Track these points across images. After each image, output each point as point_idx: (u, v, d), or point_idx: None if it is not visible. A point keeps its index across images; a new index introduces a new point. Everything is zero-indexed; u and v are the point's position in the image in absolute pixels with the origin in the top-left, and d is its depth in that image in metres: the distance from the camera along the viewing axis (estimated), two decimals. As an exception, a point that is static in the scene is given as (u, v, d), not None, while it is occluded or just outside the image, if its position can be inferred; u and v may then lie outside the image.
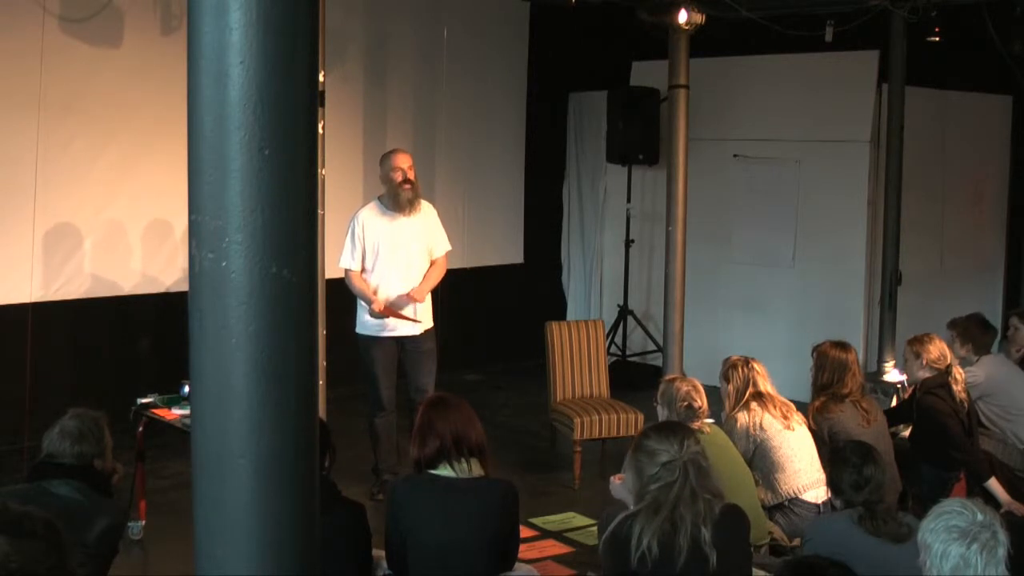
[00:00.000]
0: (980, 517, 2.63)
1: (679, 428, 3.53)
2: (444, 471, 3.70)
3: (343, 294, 6.23)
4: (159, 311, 7.31)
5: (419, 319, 6.14)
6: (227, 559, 1.80)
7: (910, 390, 5.91)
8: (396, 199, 6.10)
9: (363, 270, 6.13)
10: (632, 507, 3.43)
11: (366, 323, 6.16)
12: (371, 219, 6.14)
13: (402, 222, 6.14)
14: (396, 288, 6.12)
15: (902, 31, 7.97)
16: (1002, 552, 2.61)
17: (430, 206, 6.30)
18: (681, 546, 3.24)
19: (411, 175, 6.10)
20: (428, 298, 6.24)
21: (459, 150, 9.31)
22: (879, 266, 8.50)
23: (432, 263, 6.25)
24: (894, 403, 6.85)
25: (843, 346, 5.43)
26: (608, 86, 9.54)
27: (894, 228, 8.32)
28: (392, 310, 6.07)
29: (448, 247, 6.36)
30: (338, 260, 6.18)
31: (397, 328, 6.13)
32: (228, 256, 1.76)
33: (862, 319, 8.67)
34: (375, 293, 6.08)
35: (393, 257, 6.10)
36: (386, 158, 6.19)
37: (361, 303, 6.18)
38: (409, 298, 6.10)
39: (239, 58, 1.73)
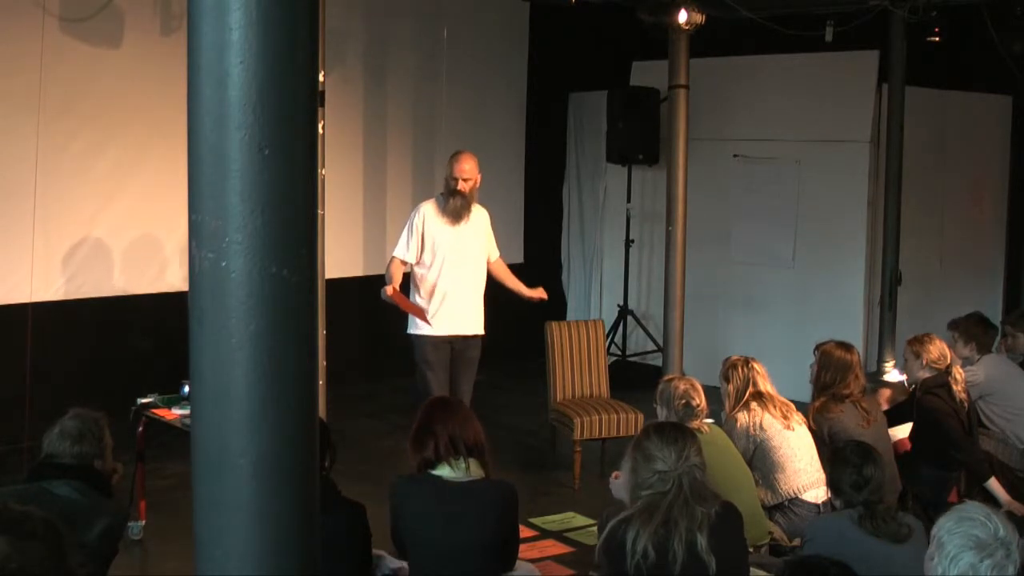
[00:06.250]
0: (1001, 532, 2.61)
1: (681, 435, 3.45)
2: (443, 471, 3.71)
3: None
4: (159, 311, 7.30)
5: (429, 319, 6.14)
6: (227, 559, 1.80)
7: (910, 390, 5.91)
8: (445, 205, 6.16)
9: (418, 263, 6.15)
10: (627, 505, 3.42)
11: (419, 322, 6.18)
12: (433, 213, 6.17)
13: (466, 218, 6.19)
14: (459, 285, 6.15)
15: (902, 31, 7.98)
16: (1012, 571, 2.59)
17: (483, 210, 6.33)
18: (676, 551, 3.22)
19: (465, 187, 6.12)
20: (481, 306, 6.29)
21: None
22: (879, 266, 8.51)
23: (500, 263, 6.43)
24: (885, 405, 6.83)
25: (847, 347, 5.43)
26: (608, 86, 9.53)
27: (894, 228, 8.33)
28: (403, 299, 6.06)
29: (498, 254, 6.46)
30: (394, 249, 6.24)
31: (448, 328, 6.15)
32: (228, 256, 1.76)
33: (862, 319, 8.67)
34: (433, 288, 6.12)
35: (456, 255, 6.15)
36: (451, 159, 6.23)
37: (417, 302, 6.19)
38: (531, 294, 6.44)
39: (239, 58, 1.73)
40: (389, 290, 6.04)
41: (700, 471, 3.38)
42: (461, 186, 6.12)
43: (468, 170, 6.14)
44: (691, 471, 3.34)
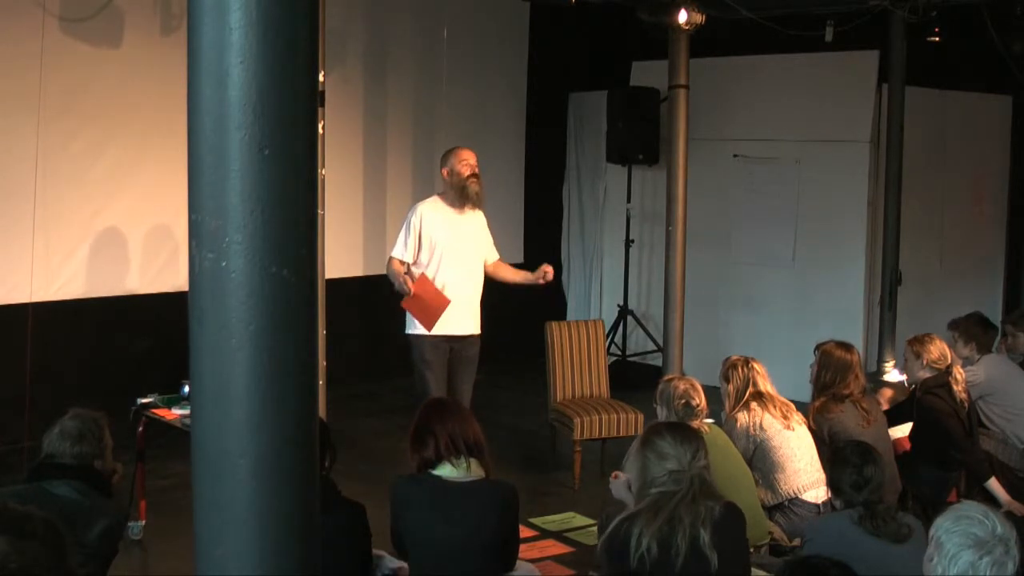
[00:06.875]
0: (999, 530, 2.61)
1: (693, 436, 3.49)
2: (444, 471, 3.71)
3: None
4: (159, 311, 7.30)
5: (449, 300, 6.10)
6: (227, 559, 1.80)
7: (910, 390, 5.91)
8: (464, 191, 6.08)
9: (415, 263, 6.10)
10: (631, 504, 3.42)
11: (417, 322, 6.14)
12: (430, 212, 6.11)
13: (465, 218, 6.15)
14: (458, 284, 6.11)
15: (902, 31, 7.98)
16: (1011, 568, 2.59)
17: (480, 212, 6.30)
18: (679, 546, 3.24)
19: (477, 170, 6.10)
20: (478, 306, 6.25)
21: (459, 150, 9.31)
22: (879, 266, 8.51)
23: (498, 264, 6.39)
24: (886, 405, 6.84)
25: (847, 347, 5.43)
26: (608, 86, 9.54)
27: (894, 228, 8.33)
28: (425, 291, 6.02)
29: (497, 255, 6.41)
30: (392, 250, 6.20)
31: (446, 328, 6.11)
32: (228, 256, 1.76)
33: (862, 319, 8.67)
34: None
35: (454, 254, 6.10)
36: (450, 153, 6.19)
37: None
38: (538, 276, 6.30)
39: (239, 58, 1.73)
40: (412, 287, 5.93)
41: (708, 471, 3.40)
42: (475, 170, 6.08)
43: (473, 157, 6.12)
44: (702, 472, 3.36)
